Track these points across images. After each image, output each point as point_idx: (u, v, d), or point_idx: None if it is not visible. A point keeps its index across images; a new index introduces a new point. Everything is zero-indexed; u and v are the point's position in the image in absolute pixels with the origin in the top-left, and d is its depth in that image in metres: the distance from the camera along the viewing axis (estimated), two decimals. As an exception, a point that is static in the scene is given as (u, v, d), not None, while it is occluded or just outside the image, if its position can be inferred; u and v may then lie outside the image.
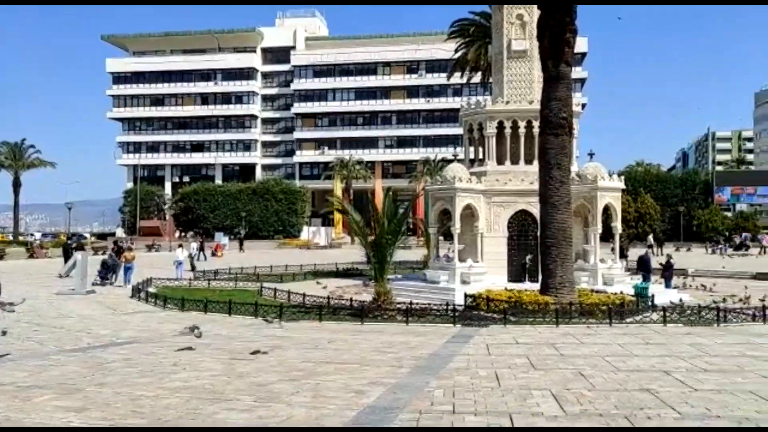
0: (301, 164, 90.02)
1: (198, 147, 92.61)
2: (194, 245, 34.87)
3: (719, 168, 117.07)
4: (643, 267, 27.54)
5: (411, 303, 17.26)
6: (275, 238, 72.73)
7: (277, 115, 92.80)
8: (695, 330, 13.82)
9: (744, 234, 62.21)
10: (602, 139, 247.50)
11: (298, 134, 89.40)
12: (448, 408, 7.45)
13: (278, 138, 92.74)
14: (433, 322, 15.60)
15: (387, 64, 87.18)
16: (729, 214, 79.50)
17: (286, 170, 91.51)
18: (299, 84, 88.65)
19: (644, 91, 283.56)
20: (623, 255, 28.50)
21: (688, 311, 16.02)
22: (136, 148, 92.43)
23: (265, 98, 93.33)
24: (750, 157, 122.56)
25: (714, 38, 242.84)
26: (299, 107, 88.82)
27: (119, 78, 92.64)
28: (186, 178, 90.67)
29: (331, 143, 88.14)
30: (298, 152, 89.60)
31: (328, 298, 19.06)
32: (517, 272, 24.24)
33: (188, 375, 9.41)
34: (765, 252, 49.44)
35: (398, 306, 17.05)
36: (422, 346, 12.09)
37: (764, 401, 7.56)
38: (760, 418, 6.83)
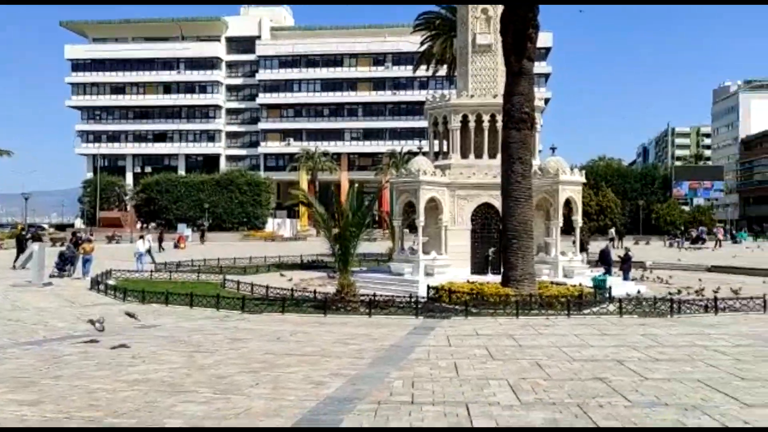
0: (266, 155, 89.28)
1: (160, 137, 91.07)
2: (149, 237, 34.07)
3: (678, 163, 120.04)
4: (603, 260, 28.18)
5: (375, 295, 17.34)
6: (239, 230, 72.10)
7: (241, 105, 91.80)
8: (649, 321, 14.20)
9: (700, 228, 63.91)
10: (567, 133, 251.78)
11: (263, 125, 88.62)
12: (406, 398, 7.55)
13: (243, 129, 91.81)
14: (396, 314, 15.72)
15: (353, 55, 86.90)
16: (687, 208, 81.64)
17: (250, 161, 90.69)
18: (264, 74, 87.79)
19: (608, 86, 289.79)
20: (584, 248, 29.04)
21: (644, 303, 16.44)
22: (96, 137, 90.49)
23: (230, 88, 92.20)
24: (708, 152, 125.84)
25: (676, 36, 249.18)
26: (264, 98, 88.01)
27: (78, 65, 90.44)
28: (148, 169, 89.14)
29: (296, 134, 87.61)
30: (263, 143, 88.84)
31: (292, 290, 19.04)
32: (480, 265, 24.55)
33: (147, 368, 9.33)
34: (720, 245, 50.92)
35: (362, 298, 17.10)
36: (384, 337, 12.19)
37: (710, 389, 7.84)
38: (705, 405, 7.09)
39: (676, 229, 65.02)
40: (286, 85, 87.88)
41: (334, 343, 11.51)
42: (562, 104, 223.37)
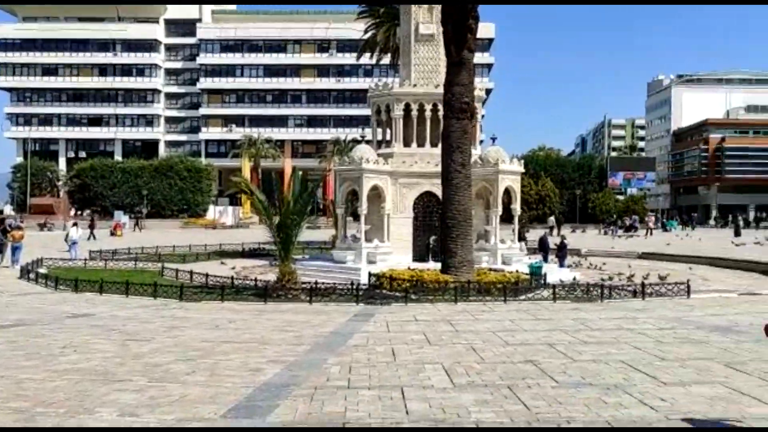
0: (207, 141, 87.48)
1: (95, 121, 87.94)
2: (72, 224, 32.67)
3: (614, 154, 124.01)
4: (541, 247, 29.02)
5: (316, 283, 17.39)
6: (180, 218, 70.59)
7: (181, 90, 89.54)
8: (581, 306, 14.76)
9: (633, 216, 66.35)
10: (509, 123, 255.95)
11: (204, 110, 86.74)
12: (343, 383, 7.66)
13: (183, 114, 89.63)
14: (336, 302, 15.82)
15: (297, 41, 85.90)
16: (621, 197, 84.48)
17: (191, 147, 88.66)
18: (205, 58, 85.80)
19: (549, 78, 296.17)
20: (522, 237, 29.78)
21: (577, 289, 17.06)
22: (27, 120, 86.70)
23: (169, 72, 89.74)
24: (642, 144, 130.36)
25: (614, 30, 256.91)
26: (205, 82, 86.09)
27: (7, 44, 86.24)
28: (82, 154, 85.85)
29: (238, 120, 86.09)
30: (204, 129, 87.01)
31: (232, 278, 18.86)
32: (421, 252, 24.87)
33: (78, 357, 9.13)
34: (651, 233, 53.01)
35: (303, 286, 17.12)
36: (324, 324, 12.27)
37: (632, 369, 8.26)
38: (626, 384, 7.47)
39: (611, 217, 67.28)
40: (228, 70, 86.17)
41: (273, 331, 11.51)
42: (505, 95, 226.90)
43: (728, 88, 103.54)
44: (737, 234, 45.48)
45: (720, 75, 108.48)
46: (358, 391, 7.27)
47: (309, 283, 17.24)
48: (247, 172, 70.43)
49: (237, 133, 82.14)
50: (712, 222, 79.61)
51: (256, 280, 18.69)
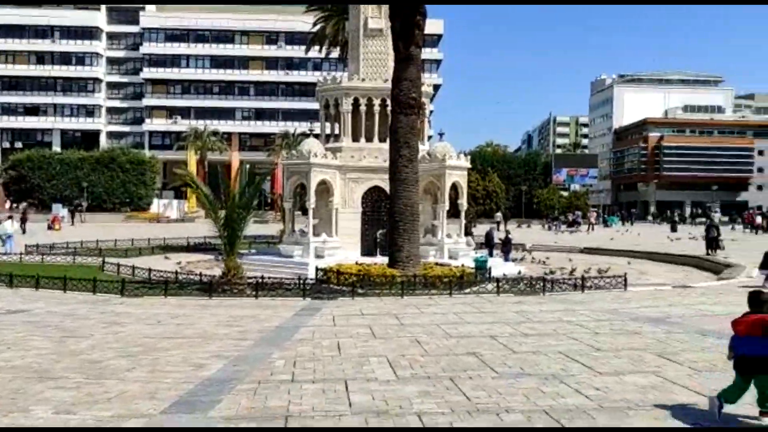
0: (151, 133, 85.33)
1: (32, 110, 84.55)
2: (7, 217, 31.31)
3: (558, 151, 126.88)
4: (487, 242, 29.54)
5: (263, 277, 17.25)
6: (122, 211, 68.68)
7: (124, 79, 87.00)
8: (524, 299, 15.11)
9: (576, 212, 68.13)
10: (458, 119, 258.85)
11: (147, 101, 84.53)
12: (287, 377, 7.65)
13: (126, 104, 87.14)
14: (283, 296, 15.76)
15: (245, 32, 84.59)
16: (565, 193, 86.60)
17: (134, 139, 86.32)
18: (149, 48, 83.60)
19: (497, 75, 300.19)
20: (469, 232, 30.22)
21: (520, 282, 17.45)
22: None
23: (111, 61, 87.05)
24: (585, 141, 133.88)
25: (560, 29, 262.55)
26: (149, 72, 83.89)
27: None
28: (18, 144, 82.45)
29: (184, 112, 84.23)
30: (147, 120, 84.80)
31: (176, 273, 18.54)
32: (370, 247, 24.97)
33: (12, 354, 8.82)
34: (593, 229, 54.57)
35: (249, 280, 16.97)
36: (269, 319, 12.20)
37: (569, 360, 8.52)
38: (563, 375, 7.71)
39: (554, 213, 68.93)
40: (173, 60, 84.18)
41: (217, 326, 11.38)
42: (454, 91, 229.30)
43: (667, 88, 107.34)
44: (673, 229, 47.25)
45: (659, 75, 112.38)
46: (301, 385, 7.28)
47: (255, 277, 17.08)
48: (193, 165, 68.99)
49: (182, 125, 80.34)
50: (650, 218, 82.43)
51: (200, 274, 18.40)
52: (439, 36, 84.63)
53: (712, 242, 28.70)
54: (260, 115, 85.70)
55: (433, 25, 77.25)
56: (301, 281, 16.51)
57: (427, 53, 79.90)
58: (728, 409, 6.08)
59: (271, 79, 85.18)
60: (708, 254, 27.78)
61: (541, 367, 8.11)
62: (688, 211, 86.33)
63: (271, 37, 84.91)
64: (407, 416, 6.17)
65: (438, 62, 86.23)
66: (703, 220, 47.24)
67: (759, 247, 24.25)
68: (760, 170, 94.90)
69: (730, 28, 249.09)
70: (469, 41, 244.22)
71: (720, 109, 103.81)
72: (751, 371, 5.98)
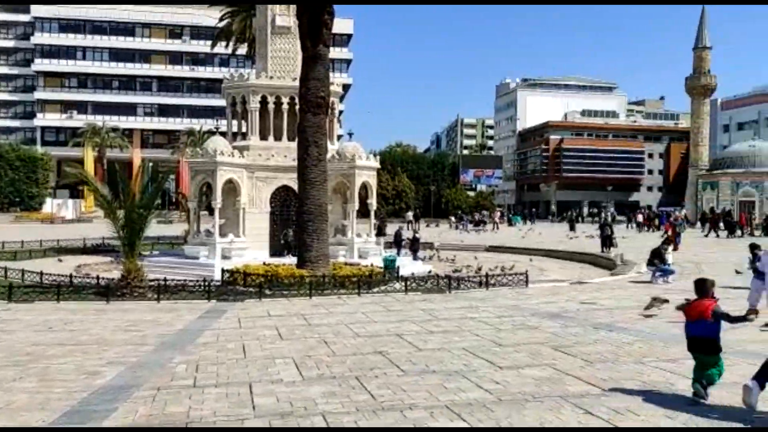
0: (43, 128, 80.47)
1: None
2: None
3: (466, 152, 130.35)
4: (396, 241, 29.89)
5: (165, 279, 16.61)
6: (11, 211, 64.35)
7: (13, 71, 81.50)
8: (430, 297, 15.39)
9: (483, 212, 70.20)
10: (368, 119, 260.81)
11: (40, 94, 79.62)
12: (188, 382, 7.43)
13: (15, 97, 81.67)
14: (187, 299, 15.25)
15: (147, 25, 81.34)
16: (472, 193, 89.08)
17: (25, 134, 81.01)
18: (41, 38, 78.74)
19: (407, 76, 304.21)
20: (381, 232, 30.44)
21: (427, 281, 17.75)
22: None
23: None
24: (491, 143, 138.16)
25: (469, 30, 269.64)
26: (41, 64, 79.05)
27: None
28: None
29: (81, 107, 80.00)
30: (39, 115, 79.86)
31: (71, 276, 17.54)
32: (279, 247, 24.67)
33: None
34: (497, 228, 56.38)
35: (151, 283, 16.30)
36: (172, 323, 11.79)
37: (472, 356, 8.77)
38: (466, 370, 7.93)
39: (460, 212, 70.73)
40: (69, 52, 79.72)
41: (115, 331, 10.88)
42: (364, 91, 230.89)
43: (566, 93, 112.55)
44: (572, 228, 49.53)
45: (559, 81, 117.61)
46: (204, 390, 7.09)
47: (158, 280, 16.42)
48: (90, 163, 65.68)
49: (78, 120, 76.28)
50: (551, 217, 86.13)
51: (98, 277, 17.49)
52: (349, 36, 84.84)
53: (607, 240, 30.34)
54: (164, 111, 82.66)
55: (342, 25, 77.36)
56: (206, 283, 16.05)
57: (336, 53, 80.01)
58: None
59: (175, 74, 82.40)
60: (603, 251, 29.35)
61: (445, 364, 8.29)
62: (585, 210, 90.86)
63: (175, 31, 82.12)
64: (312, 417, 6.14)
65: (348, 62, 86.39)
66: (600, 218, 49.87)
67: (648, 244, 25.92)
68: (650, 172, 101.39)
69: (623, 38, 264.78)
70: (380, 42, 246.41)
71: (614, 114, 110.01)
72: (700, 350, 6.58)
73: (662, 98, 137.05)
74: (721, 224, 43.98)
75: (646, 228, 50.55)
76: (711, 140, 78.39)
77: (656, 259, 18.70)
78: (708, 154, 71.62)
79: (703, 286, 6.80)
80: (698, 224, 49.74)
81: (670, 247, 20.87)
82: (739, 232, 40.73)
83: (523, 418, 6.08)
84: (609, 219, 41.31)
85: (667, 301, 12.36)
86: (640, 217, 54.78)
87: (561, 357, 8.70)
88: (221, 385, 7.28)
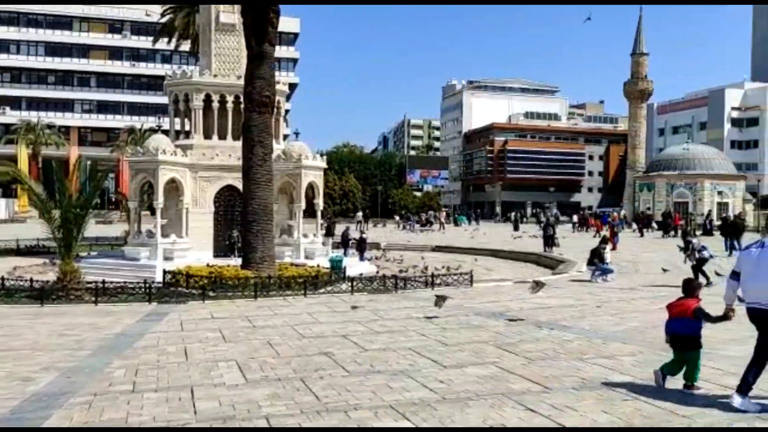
0: (-27, 125, 76.87)
1: None
2: None
3: (412, 152, 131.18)
4: (343, 241, 29.82)
5: (104, 282, 16.11)
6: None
7: (-59, 63, 77.67)
8: (376, 297, 15.42)
9: (430, 212, 70.79)
10: (315, 119, 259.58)
11: (-30, 89, 76.09)
12: (127, 387, 7.22)
13: (-57, 91, 77.84)
14: (127, 302, 14.84)
15: (85, 19, 78.71)
16: (419, 193, 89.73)
17: (-47, 130, 77.33)
18: (-28, 30, 75.27)
19: (355, 76, 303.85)
20: (331, 232, 30.31)
21: (374, 281, 17.77)
22: None
23: (-77, 43, 77.35)
24: (438, 144, 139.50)
25: (415, 32, 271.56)
26: (-29, 57, 75.56)
27: None
28: None
29: (14, 103, 76.78)
30: (-30, 110, 76.31)
31: (3, 279, 16.78)
32: (223, 248, 24.23)
33: None
34: (443, 228, 56.97)
35: (89, 285, 15.78)
36: (110, 326, 11.44)
37: (418, 355, 8.83)
38: (411, 370, 7.97)
39: (409, 213, 71.19)
40: (2, 46, 76.39)
41: (49, 335, 10.48)
42: (312, 90, 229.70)
43: (511, 95, 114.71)
44: (516, 228, 50.54)
45: (503, 83, 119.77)
46: (143, 395, 6.90)
47: (96, 282, 15.91)
48: (24, 161, 63.15)
49: (11, 116, 73.23)
50: (496, 217, 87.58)
51: (31, 280, 16.79)
52: (296, 34, 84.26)
53: (549, 240, 31.05)
54: (103, 108, 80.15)
55: (288, 23, 76.80)
56: (147, 285, 15.63)
57: (283, 51, 79.34)
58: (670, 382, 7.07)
59: (115, 70, 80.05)
60: (545, 251, 30.03)
61: (390, 364, 8.31)
62: (529, 211, 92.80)
63: (115, 26, 79.77)
64: (255, 420, 6.06)
65: (294, 61, 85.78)
66: (543, 219, 51.00)
67: (588, 244, 26.65)
68: (591, 173, 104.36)
69: (565, 43, 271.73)
70: (328, 42, 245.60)
71: (556, 117, 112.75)
72: (680, 347, 7.01)
73: (602, 102, 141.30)
74: (654, 224, 45.75)
75: (581, 228, 52.12)
76: (648, 143, 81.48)
77: (596, 258, 19.27)
78: (645, 156, 74.39)
79: (689, 286, 7.22)
80: (633, 225, 51.53)
81: (609, 247, 21.53)
82: (672, 232, 42.35)
83: (467, 416, 6.16)
84: (551, 219, 42.25)
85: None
86: (575, 218, 56.79)
87: (504, 355, 8.85)
88: (161, 390, 7.10)
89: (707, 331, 7.32)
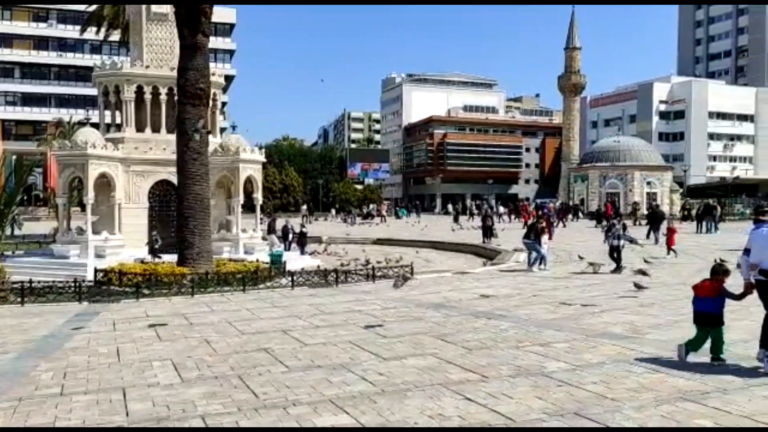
0: None
1: None
2: None
3: (353, 145, 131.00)
4: (284, 236, 29.49)
5: (31, 281, 15.42)
6: None
7: None
8: (317, 291, 15.32)
9: (371, 205, 70.93)
10: (254, 111, 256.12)
11: None
12: (55, 390, 6.93)
13: None
14: (56, 301, 14.26)
15: (7, 7, 74.87)
16: (360, 186, 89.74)
17: None
18: None
19: (294, 69, 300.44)
20: (272, 228, 29.85)
21: (315, 275, 17.65)
22: None
23: None
24: (378, 137, 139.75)
25: (354, 24, 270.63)
26: None
27: None
28: None
29: (-70, 94, 72.55)
30: None
31: None
32: (159, 244, 23.57)
33: None
34: (385, 221, 57.22)
35: (14, 285, 15.07)
36: (37, 327, 10.97)
37: (358, 349, 8.82)
38: (351, 363, 7.96)
39: (350, 206, 71.18)
40: None
41: (-30, 340, 9.95)
42: (251, 82, 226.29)
43: (449, 89, 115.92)
44: (456, 220, 51.21)
45: (442, 77, 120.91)
46: (72, 398, 6.64)
47: (22, 282, 15.21)
48: (-57, 156, 59.71)
49: (-72, 108, 69.18)
50: (438, 210, 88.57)
51: (-49, 282, 15.92)
52: (232, 25, 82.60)
53: (488, 231, 31.59)
54: (28, 100, 76.55)
55: (225, 14, 75.27)
56: (78, 284, 15.06)
57: (219, 43, 77.71)
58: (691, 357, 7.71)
59: (40, 60, 76.58)
60: (484, 242, 30.54)
61: (330, 358, 8.28)
62: (468, 203, 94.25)
63: (39, 14, 76.22)
64: (190, 420, 5.92)
65: (231, 52, 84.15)
66: (480, 211, 51.86)
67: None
68: (528, 165, 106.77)
69: (501, 37, 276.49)
70: (266, 34, 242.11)
71: (494, 110, 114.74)
72: (705, 324, 7.62)
73: (538, 95, 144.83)
74: (580, 214, 47.75)
75: (511, 219, 53.83)
76: (581, 136, 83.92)
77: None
78: (579, 148, 76.58)
79: (717, 270, 7.84)
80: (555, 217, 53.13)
81: (545, 237, 22.02)
82: (605, 222, 43.75)
83: (405, 407, 6.19)
84: (489, 211, 42.95)
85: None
86: (501, 209, 58.69)
87: (443, 346, 8.94)
88: (92, 392, 6.85)
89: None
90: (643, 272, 16.68)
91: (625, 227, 21.12)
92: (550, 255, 20.66)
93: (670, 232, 22.75)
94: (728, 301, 7.74)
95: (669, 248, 22.05)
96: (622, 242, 18.54)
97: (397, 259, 23.92)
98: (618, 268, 17.84)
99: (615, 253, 18.33)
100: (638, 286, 14.28)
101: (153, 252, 21.34)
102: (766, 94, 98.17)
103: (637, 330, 9.83)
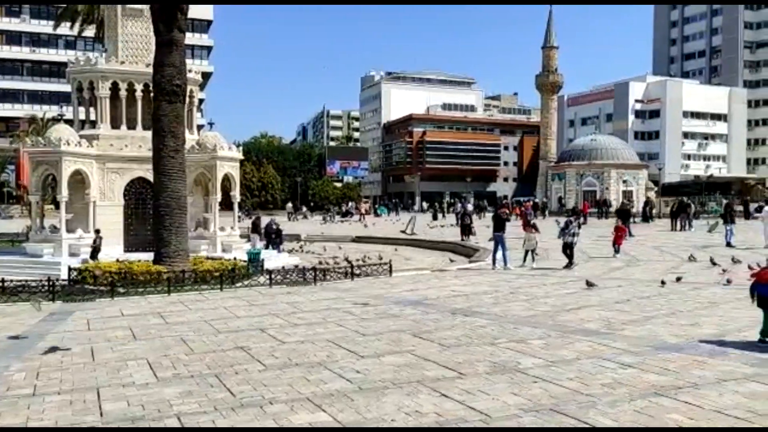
0: None
1: None
2: None
3: (332, 143, 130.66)
4: (266, 234, 29.24)
5: (3, 280, 15.19)
6: None
7: None
8: (295, 290, 15.28)
9: (350, 203, 70.78)
10: (232, 109, 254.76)
11: None
12: (28, 391, 6.83)
13: None
14: (28, 301, 14.01)
15: (-21, 1, 73.57)
16: (339, 184, 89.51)
17: None
18: None
19: (272, 66, 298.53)
20: (256, 229, 29.50)
21: (293, 273, 17.59)
22: None
23: None
24: (357, 134, 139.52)
25: (334, 22, 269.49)
26: None
27: None
28: None
29: None
30: None
31: None
32: (134, 242, 23.32)
33: None
34: (364, 218, 57.14)
35: (-15, 285, 14.81)
36: (9, 327, 10.78)
37: (336, 346, 8.81)
38: (328, 361, 7.95)
39: (329, 204, 71.00)
40: None
41: (-61, 340, 9.76)
42: (228, 79, 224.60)
43: (429, 87, 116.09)
44: (434, 218, 51.35)
45: (421, 75, 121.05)
46: (45, 398, 6.56)
47: (-6, 281, 14.97)
48: None
49: None
50: (416, 207, 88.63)
51: None
52: (209, 21, 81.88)
53: (466, 229, 31.69)
54: (1, 96, 75.19)
55: (202, 10, 74.58)
56: (51, 282, 14.83)
57: (196, 39, 77.06)
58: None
59: (13, 56, 75.20)
60: (462, 240, 30.64)
61: (308, 356, 8.26)
62: (447, 200, 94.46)
63: (12, 9, 74.83)
64: (166, 419, 5.87)
65: (208, 49, 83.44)
66: (458, 209, 52.00)
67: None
68: (506, 163, 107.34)
69: (480, 36, 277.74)
70: (245, 31, 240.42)
71: (473, 108, 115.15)
72: (766, 306, 8.38)
73: (516, 94, 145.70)
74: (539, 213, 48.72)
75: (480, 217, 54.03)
76: (559, 134, 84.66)
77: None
78: (556, 147, 77.24)
79: None
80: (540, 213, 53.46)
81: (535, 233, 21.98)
82: (582, 219, 44.21)
83: (383, 404, 6.20)
84: (468, 209, 43.10)
85: None
86: (469, 207, 58.81)
87: (420, 343, 8.97)
88: (65, 392, 6.76)
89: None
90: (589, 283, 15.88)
91: (580, 226, 21.67)
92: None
93: (617, 231, 22.37)
94: None
95: (615, 246, 21.77)
96: (575, 239, 19.08)
97: (376, 256, 23.94)
98: (570, 264, 18.31)
99: (568, 249, 18.80)
100: (589, 284, 14.45)
101: (93, 257, 19.88)
102: (739, 94, 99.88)
103: (612, 326, 9.96)
